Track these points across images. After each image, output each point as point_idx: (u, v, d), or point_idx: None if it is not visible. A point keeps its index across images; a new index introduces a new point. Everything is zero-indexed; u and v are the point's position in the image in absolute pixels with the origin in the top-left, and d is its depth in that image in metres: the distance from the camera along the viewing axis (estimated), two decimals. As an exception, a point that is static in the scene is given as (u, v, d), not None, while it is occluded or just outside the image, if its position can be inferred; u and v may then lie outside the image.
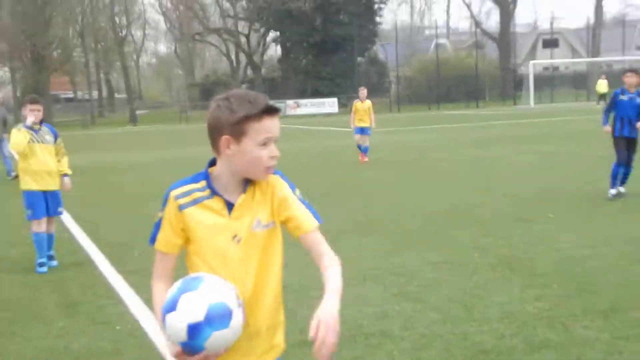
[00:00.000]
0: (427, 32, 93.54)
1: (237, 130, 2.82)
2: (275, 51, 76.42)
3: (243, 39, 73.00)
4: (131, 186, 17.77)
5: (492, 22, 79.42)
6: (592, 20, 74.69)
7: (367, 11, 67.14)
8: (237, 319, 2.68)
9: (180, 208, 2.89)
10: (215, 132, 2.91)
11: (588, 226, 10.59)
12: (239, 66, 75.56)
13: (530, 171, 17.41)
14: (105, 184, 17.54)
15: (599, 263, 8.43)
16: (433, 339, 6.05)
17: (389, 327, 6.43)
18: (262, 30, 70.93)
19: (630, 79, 12.36)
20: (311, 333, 2.60)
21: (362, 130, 20.49)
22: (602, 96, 57.10)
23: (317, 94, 60.71)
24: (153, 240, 2.98)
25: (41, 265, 8.82)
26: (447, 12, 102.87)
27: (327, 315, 2.62)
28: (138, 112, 64.22)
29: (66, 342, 6.37)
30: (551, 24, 79.86)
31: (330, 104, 58.75)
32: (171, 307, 2.70)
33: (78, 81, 71.17)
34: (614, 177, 12.32)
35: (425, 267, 8.44)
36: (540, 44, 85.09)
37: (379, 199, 13.87)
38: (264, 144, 2.84)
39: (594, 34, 73.71)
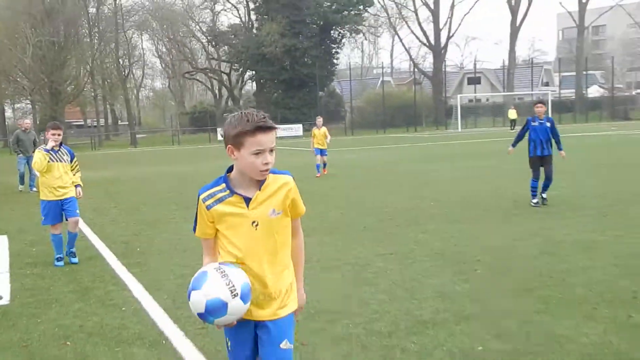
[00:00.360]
0: (375, 71, 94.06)
1: (237, 141, 3.05)
2: (251, 86, 76.46)
3: (225, 77, 72.98)
4: (132, 195, 17.66)
5: (427, 63, 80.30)
6: (506, 62, 75.63)
7: (326, 55, 67.53)
8: (234, 306, 2.97)
9: (208, 208, 3.15)
10: (224, 142, 3.16)
11: (506, 225, 10.75)
12: (221, 98, 75.39)
13: (457, 181, 17.58)
14: (111, 194, 17.44)
15: (515, 253, 8.60)
16: (382, 314, 6.14)
17: (347, 306, 6.49)
18: (241, 69, 70.97)
19: (539, 109, 12.56)
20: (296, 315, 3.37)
21: (321, 152, 20.53)
22: (512, 122, 58.21)
23: (285, 120, 60.72)
24: (194, 230, 3.27)
25: (58, 260, 8.83)
26: (391, 55, 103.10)
27: (302, 303, 3.42)
28: (138, 136, 63.82)
29: (81, 321, 6.39)
30: (474, 65, 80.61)
31: (296, 129, 58.87)
32: (188, 297, 3.08)
33: (88, 111, 70.92)
34: (533, 189, 12.38)
35: (376, 258, 8.52)
36: (465, 81, 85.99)
37: (337, 205, 13.90)
38: (257, 153, 3.04)
39: (508, 73, 74.57)
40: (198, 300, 2.97)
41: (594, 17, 78.40)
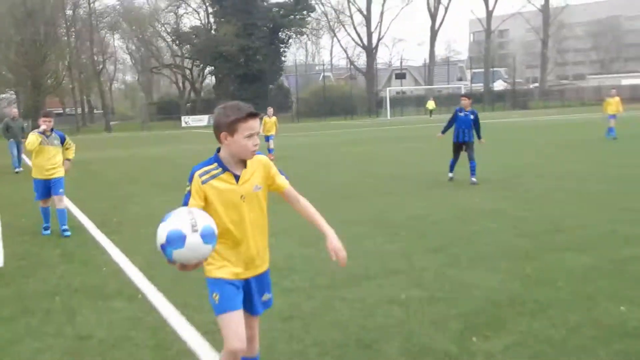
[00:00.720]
0: (317, 67, 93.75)
1: (231, 128, 3.07)
2: (211, 80, 75.22)
3: (187, 72, 71.66)
4: (108, 174, 17.39)
5: (361, 61, 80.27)
6: (427, 61, 76.40)
7: (276, 53, 66.96)
8: (192, 242, 2.79)
9: (203, 182, 3.11)
10: (217, 130, 3.13)
11: (426, 196, 11.00)
12: (184, 90, 74.04)
13: (387, 161, 17.83)
14: (90, 173, 17.12)
15: (433, 219, 8.79)
16: (322, 270, 6.22)
17: (293, 264, 6.59)
18: (201, 65, 69.71)
19: (464, 102, 12.45)
20: (333, 257, 3.36)
21: (268, 138, 20.06)
22: (430, 111, 58.97)
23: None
24: (185, 204, 3.11)
25: (45, 229, 8.72)
26: (331, 54, 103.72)
27: (338, 244, 3.37)
28: (111, 123, 62.30)
29: (67, 281, 6.34)
30: (401, 63, 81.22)
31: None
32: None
33: (66, 101, 68.95)
34: (451, 166, 12.45)
35: None
36: (393, 76, 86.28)
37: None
38: (249, 136, 3.08)
39: (429, 69, 75.31)
40: (161, 230, 2.83)
41: (499, 22, 79.69)
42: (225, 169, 3.16)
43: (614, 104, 21.17)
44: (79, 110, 70.44)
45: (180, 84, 74.04)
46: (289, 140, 29.44)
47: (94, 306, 5.45)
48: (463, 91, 63.79)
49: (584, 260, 6.28)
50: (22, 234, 8.91)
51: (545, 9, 78.83)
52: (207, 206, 3.15)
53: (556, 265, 6.13)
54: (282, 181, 3.40)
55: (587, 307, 4.90)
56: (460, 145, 12.38)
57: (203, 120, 58.02)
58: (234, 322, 3.15)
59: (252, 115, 3.10)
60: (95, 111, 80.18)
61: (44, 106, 56.21)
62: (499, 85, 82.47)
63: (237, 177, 3.16)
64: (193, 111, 65.14)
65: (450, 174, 12.53)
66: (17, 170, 18.74)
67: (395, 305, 5.14)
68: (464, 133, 12.29)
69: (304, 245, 7.45)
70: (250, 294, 3.33)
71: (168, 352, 4.36)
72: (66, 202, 8.87)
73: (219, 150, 3.21)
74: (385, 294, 5.41)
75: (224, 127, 3.10)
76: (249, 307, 3.33)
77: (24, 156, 19.18)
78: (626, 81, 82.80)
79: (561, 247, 6.87)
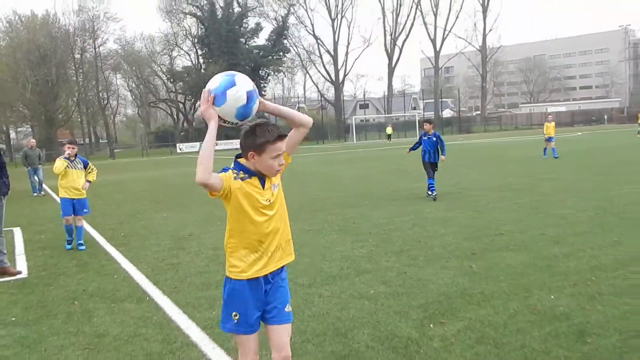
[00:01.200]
0: (292, 100, 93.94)
1: (260, 149, 2.77)
2: (201, 112, 74.84)
3: (181, 105, 71.24)
4: (114, 194, 17.18)
5: (330, 93, 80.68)
6: (386, 93, 77.23)
7: (257, 87, 66.93)
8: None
9: (235, 178, 2.81)
10: (244, 148, 2.84)
11: (388, 208, 11.05)
12: (178, 121, 73.48)
13: (355, 178, 17.89)
14: (98, 194, 16.90)
15: (394, 227, 8.81)
16: (304, 271, 6.24)
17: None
18: (193, 99, 69.47)
19: (427, 126, 12.06)
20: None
21: None
22: (388, 136, 59.35)
23: (227, 137, 60.12)
24: (221, 172, 2.81)
25: (69, 242, 8.50)
26: (304, 88, 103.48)
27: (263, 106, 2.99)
28: (115, 150, 61.63)
29: (84, 287, 6.27)
30: (364, 94, 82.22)
31: (235, 143, 58.24)
32: (231, 83, 2.79)
33: (75, 132, 68.06)
34: (430, 185, 11.85)
35: (300, 233, 8.49)
36: (358, 106, 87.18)
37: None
38: (275, 157, 2.80)
39: (388, 100, 76.14)
40: (239, 91, 2.77)
41: (445, 60, 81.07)
42: (251, 174, 2.84)
43: (551, 128, 21.55)
44: (87, 140, 69.68)
45: (175, 116, 73.51)
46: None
47: (108, 308, 5.42)
48: (417, 119, 64.72)
49: (521, 258, 6.40)
50: (42, 249, 8.78)
51: (483, 50, 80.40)
52: (233, 205, 2.81)
53: (498, 263, 6.23)
54: (287, 157, 3.02)
55: (523, 297, 5.03)
56: (430, 164, 11.97)
57: (195, 146, 57.91)
58: (250, 342, 2.90)
59: (280, 138, 2.81)
60: (100, 140, 79.11)
61: (56, 138, 55.76)
62: (447, 113, 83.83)
63: (262, 182, 2.86)
64: (186, 139, 64.66)
65: (434, 193, 11.76)
66: (35, 194, 18.39)
67: (365, 299, 5.19)
68: (430, 154, 11.98)
69: (286, 251, 7.47)
70: (269, 298, 2.93)
71: (174, 344, 4.38)
72: (82, 221, 8.76)
73: (237, 156, 2.91)
74: (357, 291, 5.46)
75: (252, 147, 2.80)
76: (275, 317, 2.94)
77: (42, 181, 18.91)
78: (551, 109, 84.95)
79: (502, 247, 6.98)
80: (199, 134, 65.34)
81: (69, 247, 8.51)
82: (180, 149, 57.64)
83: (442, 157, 12.15)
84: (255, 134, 2.79)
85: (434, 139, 11.99)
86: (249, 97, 2.79)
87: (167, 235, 9.33)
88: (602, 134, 44.62)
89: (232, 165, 2.89)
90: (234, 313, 2.85)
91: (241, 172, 2.84)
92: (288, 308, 2.99)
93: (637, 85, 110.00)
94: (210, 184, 2.66)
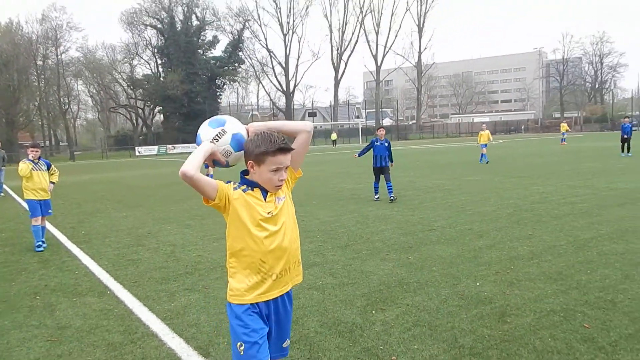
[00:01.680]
0: (246, 107, 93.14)
1: (259, 159, 2.38)
2: (159, 117, 72.85)
3: (140, 111, 69.23)
4: (74, 194, 16.48)
5: (282, 102, 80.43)
6: (332, 103, 77.81)
7: (213, 96, 65.83)
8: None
9: (235, 189, 2.43)
10: (246, 156, 2.45)
11: (333, 207, 11.08)
12: (137, 126, 71.39)
13: (302, 180, 17.87)
14: (58, 194, 16.17)
15: (339, 224, 8.83)
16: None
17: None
18: (152, 106, 67.73)
19: (380, 132, 11.55)
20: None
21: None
22: (333, 141, 59.79)
23: (185, 141, 58.99)
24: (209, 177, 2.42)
25: (38, 246, 7.90)
26: (257, 97, 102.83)
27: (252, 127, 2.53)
28: (75, 153, 59.19)
29: (45, 282, 6.01)
30: (312, 104, 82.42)
31: (192, 147, 57.11)
32: (220, 123, 2.48)
33: (36, 135, 65.00)
34: (375, 189, 11.65)
35: None
36: (307, 114, 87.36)
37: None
38: (275, 170, 2.38)
39: (333, 109, 76.77)
40: (228, 132, 2.45)
41: (385, 74, 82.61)
42: (254, 185, 2.45)
43: (485, 136, 22.12)
44: (47, 143, 66.70)
45: (134, 121, 71.37)
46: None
47: (70, 302, 5.22)
48: (360, 126, 65.49)
49: (450, 250, 6.58)
50: (3, 246, 8.34)
51: (418, 66, 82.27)
52: (231, 217, 2.42)
53: (431, 255, 6.37)
54: (296, 171, 2.62)
55: (453, 284, 5.18)
56: (379, 169, 11.58)
57: (153, 149, 56.60)
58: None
59: (282, 150, 2.37)
60: (60, 143, 75.79)
61: (16, 140, 53.10)
62: (386, 122, 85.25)
63: (265, 194, 2.45)
64: (145, 142, 62.86)
65: (376, 196, 11.67)
66: (1, 194, 17.41)
67: (314, 290, 5.20)
68: (381, 159, 11.46)
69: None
70: (270, 328, 2.51)
71: (134, 335, 4.26)
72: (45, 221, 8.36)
73: (244, 172, 2.51)
74: (306, 282, 5.45)
75: (252, 156, 2.41)
76: (271, 348, 2.52)
77: (3, 182, 17.91)
78: (477, 119, 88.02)
79: (434, 241, 7.14)
80: (157, 138, 63.88)
81: (39, 249, 7.87)
82: (139, 152, 55.99)
83: (391, 164, 11.66)
84: (256, 142, 2.40)
85: (386, 144, 11.52)
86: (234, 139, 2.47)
87: (126, 233, 9.06)
88: (520, 141, 46.56)
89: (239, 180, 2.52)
90: (239, 343, 2.39)
91: (244, 185, 2.46)
92: (286, 343, 2.61)
93: (549, 99, 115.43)
94: (196, 179, 2.27)
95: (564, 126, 37.03)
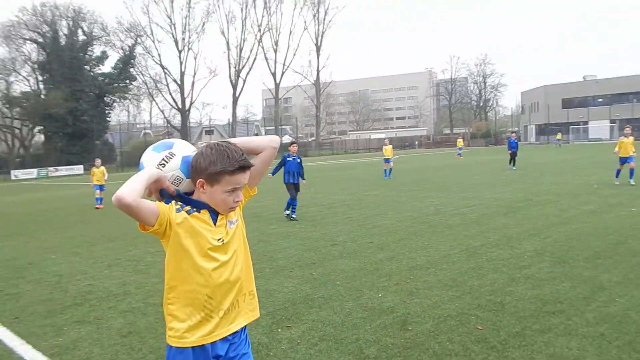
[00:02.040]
0: (138, 126, 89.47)
1: (212, 178, 2.00)
2: (40, 137, 67.49)
3: (17, 131, 63.65)
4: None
5: (177, 120, 78.21)
6: (231, 120, 77.24)
7: (101, 114, 62.18)
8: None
9: (177, 210, 2.02)
10: (194, 173, 2.04)
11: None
12: (14, 147, 65.57)
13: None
14: None
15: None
16: (153, 292, 5.92)
17: (128, 289, 6.17)
18: (31, 125, 62.61)
19: (293, 148, 11.41)
20: None
21: (100, 187, 17.25)
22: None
23: (69, 163, 55.08)
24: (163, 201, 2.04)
25: None
26: (150, 114, 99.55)
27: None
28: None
29: None
30: (209, 121, 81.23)
31: (78, 169, 53.61)
32: (166, 146, 2.13)
33: None
34: (293, 207, 11.31)
35: (150, 254, 8.22)
36: (204, 132, 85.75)
37: (118, 221, 13.08)
38: (231, 191, 2.02)
39: (232, 127, 76.22)
40: (176, 158, 2.07)
41: (284, 92, 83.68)
42: (200, 206, 2.05)
43: (389, 150, 23.07)
44: None
45: (10, 142, 65.46)
46: (114, 187, 27.38)
47: None
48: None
49: (353, 264, 6.77)
50: None
51: (317, 84, 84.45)
52: (173, 246, 2.03)
53: (334, 269, 6.51)
54: (252, 189, 2.27)
55: (356, 297, 5.33)
56: (292, 185, 11.33)
57: (33, 173, 52.19)
58: None
59: (242, 169, 2.01)
60: None
61: None
62: (286, 139, 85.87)
63: (215, 217, 2.08)
64: (22, 165, 57.82)
65: (287, 212, 11.48)
66: None
67: (216, 312, 5.10)
68: (293, 175, 11.32)
69: (136, 272, 7.06)
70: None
71: (16, 377, 3.89)
72: None
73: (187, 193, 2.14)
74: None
75: (203, 174, 2.01)
76: None
77: None
78: (374, 135, 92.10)
79: (337, 256, 7.31)
80: (37, 160, 59.01)
81: None
82: (15, 176, 51.33)
83: (303, 181, 11.62)
84: (210, 159, 2.00)
85: (298, 160, 11.39)
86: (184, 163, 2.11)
87: (2, 266, 8.24)
88: (414, 156, 49.31)
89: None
90: None
91: (188, 205, 2.05)
92: None
93: (439, 117, 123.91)
94: (135, 207, 1.88)
95: (460, 142, 40.16)
